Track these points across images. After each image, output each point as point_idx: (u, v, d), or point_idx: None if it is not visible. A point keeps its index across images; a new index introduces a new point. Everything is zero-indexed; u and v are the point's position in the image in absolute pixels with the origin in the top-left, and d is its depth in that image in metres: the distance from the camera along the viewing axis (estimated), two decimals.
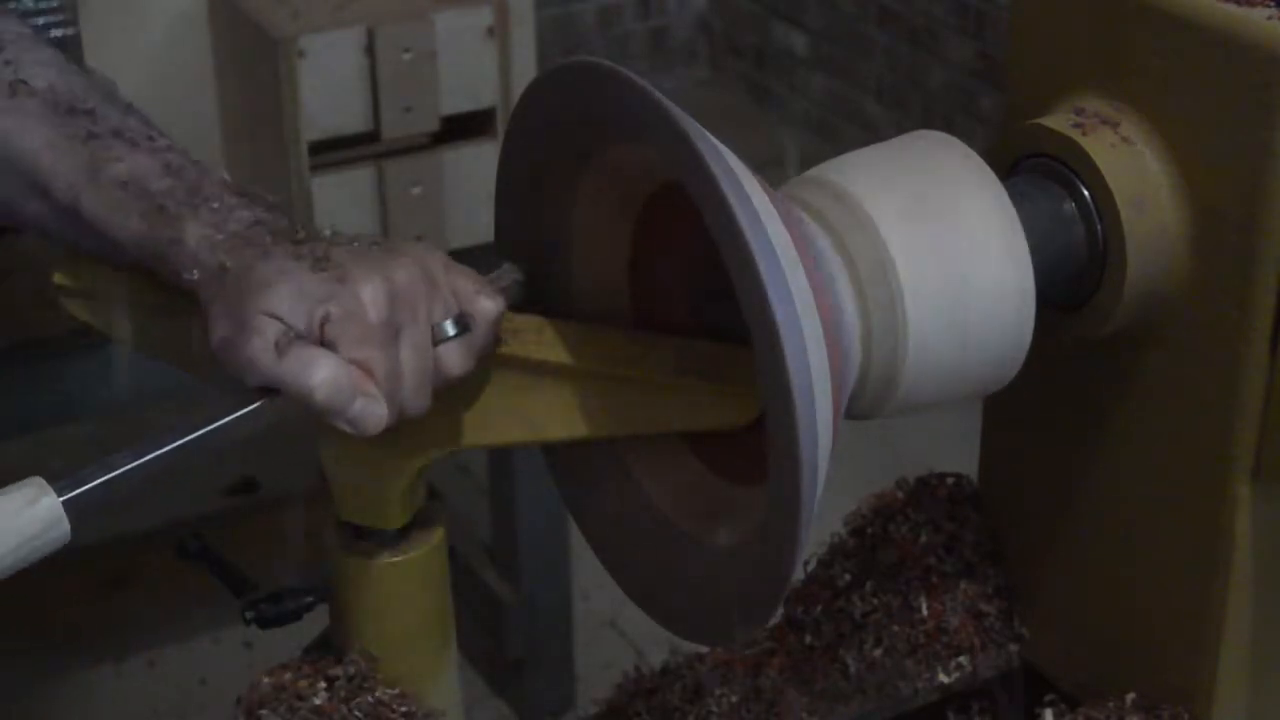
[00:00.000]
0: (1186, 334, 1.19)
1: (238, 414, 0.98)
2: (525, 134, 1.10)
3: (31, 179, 1.08)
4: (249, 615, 1.15)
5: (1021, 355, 1.14)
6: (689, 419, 1.12)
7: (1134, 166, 1.17)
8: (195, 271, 1.01)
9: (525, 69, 2.57)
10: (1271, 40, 1.10)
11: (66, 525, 0.92)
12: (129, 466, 0.95)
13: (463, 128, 2.53)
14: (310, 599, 1.16)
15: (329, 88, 2.41)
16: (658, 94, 0.98)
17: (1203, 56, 1.14)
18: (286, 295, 0.98)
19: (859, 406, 1.12)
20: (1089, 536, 1.32)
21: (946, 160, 1.14)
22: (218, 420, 0.98)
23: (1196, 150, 1.16)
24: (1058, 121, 1.20)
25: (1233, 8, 1.13)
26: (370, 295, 0.99)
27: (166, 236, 1.03)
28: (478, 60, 2.49)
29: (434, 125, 2.49)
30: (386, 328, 0.99)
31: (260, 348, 0.97)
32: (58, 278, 1.17)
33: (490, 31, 2.48)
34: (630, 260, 1.17)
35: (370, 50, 2.42)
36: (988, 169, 1.13)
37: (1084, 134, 1.18)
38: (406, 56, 2.44)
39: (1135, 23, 1.17)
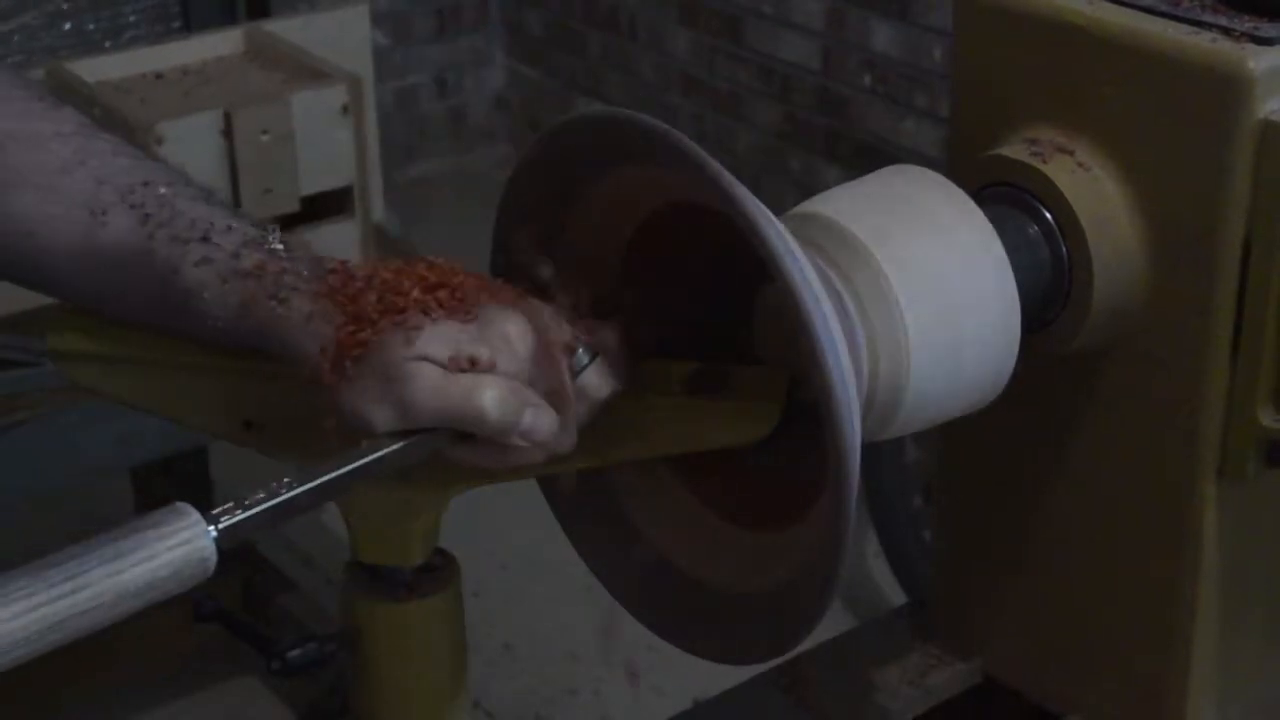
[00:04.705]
0: (1150, 345, 1.26)
1: (384, 452, 1.00)
2: (537, 165, 1.14)
3: (117, 270, 1.10)
4: (275, 665, 1.16)
5: (1007, 375, 1.20)
6: (701, 439, 1.15)
7: (1093, 190, 1.24)
8: (309, 342, 1.03)
9: (374, 146, 2.60)
10: (1221, 62, 1.18)
11: (214, 559, 0.92)
12: (275, 502, 0.95)
13: (322, 207, 2.54)
14: (332, 646, 1.17)
15: (188, 172, 2.40)
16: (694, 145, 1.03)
17: (1155, 81, 1.21)
18: (435, 339, 1.01)
19: (864, 431, 1.16)
20: (1053, 547, 1.38)
21: (930, 193, 1.19)
22: (368, 455, 1.00)
23: (1153, 171, 1.23)
24: (1016, 151, 1.26)
25: (1183, 33, 1.20)
26: (517, 332, 1.02)
27: (269, 314, 1.05)
28: (334, 138, 2.51)
29: (295, 206, 2.50)
30: (533, 363, 1.02)
31: (420, 388, 1.00)
32: (51, 342, 1.18)
33: (345, 109, 2.50)
34: (623, 279, 1.20)
35: (228, 133, 2.42)
36: (969, 199, 1.19)
37: (1044, 162, 1.25)
38: (264, 138, 2.44)
39: (1085, 52, 1.24)
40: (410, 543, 1.15)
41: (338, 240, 2.53)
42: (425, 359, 1.01)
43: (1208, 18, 1.22)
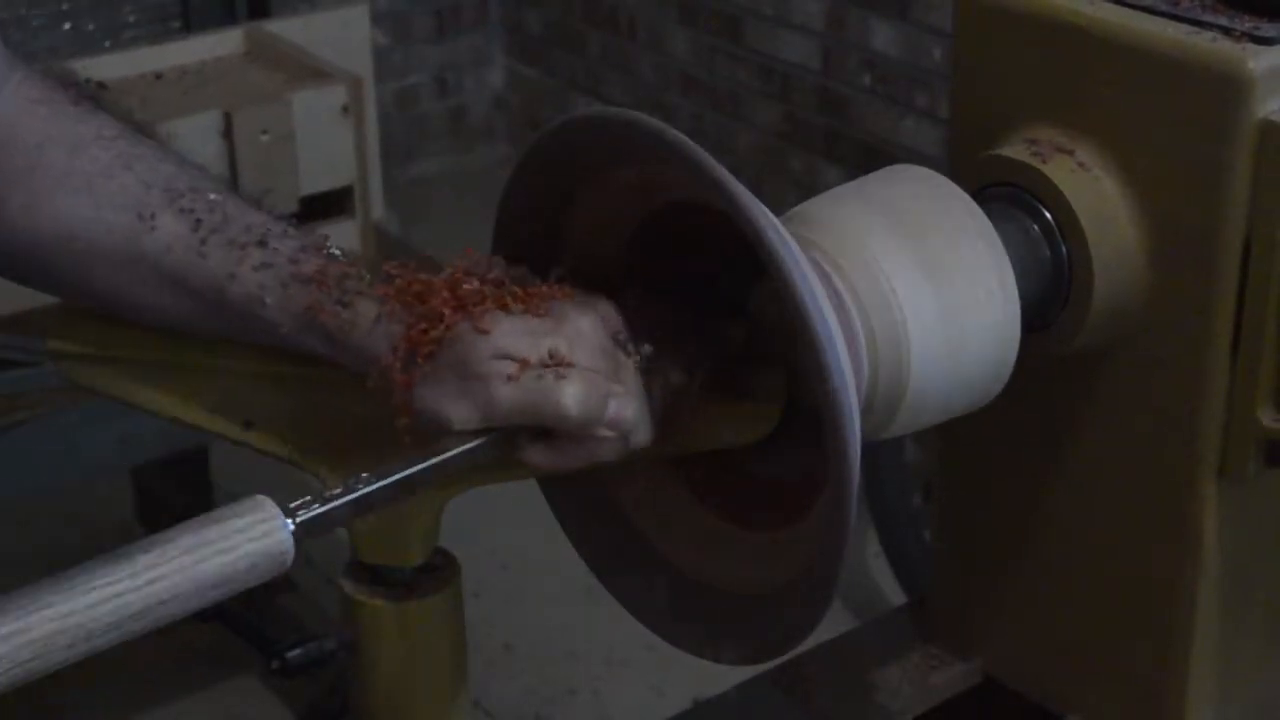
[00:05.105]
0: (1151, 345, 1.26)
1: (465, 449, 1.01)
2: (537, 164, 1.14)
3: (167, 275, 1.09)
4: (275, 665, 1.16)
5: (1007, 375, 1.20)
6: (704, 439, 1.15)
7: (1093, 190, 1.24)
8: (379, 344, 1.03)
9: (374, 146, 2.60)
10: (1221, 62, 1.18)
11: (292, 552, 0.92)
12: (354, 496, 0.96)
13: (322, 207, 2.54)
14: (333, 646, 1.17)
15: None
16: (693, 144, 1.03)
17: (1155, 81, 1.21)
18: (511, 333, 1.01)
19: (864, 430, 1.16)
20: (1053, 546, 1.38)
21: (931, 193, 1.19)
22: (445, 454, 1.01)
23: (1152, 170, 1.23)
24: (1016, 151, 1.26)
25: (1183, 33, 1.20)
26: (590, 327, 1.03)
27: (335, 319, 1.04)
28: (334, 138, 2.51)
29: (294, 206, 2.50)
30: (608, 354, 1.03)
31: (501, 385, 1.00)
32: (51, 342, 1.18)
33: (345, 110, 2.50)
34: (623, 279, 1.20)
35: (228, 133, 2.43)
36: (969, 198, 1.19)
37: (1043, 162, 1.25)
38: (264, 138, 2.44)
39: (1085, 52, 1.24)
40: (410, 543, 1.15)
41: (338, 240, 2.52)
42: (505, 356, 1.01)
43: (1208, 17, 1.22)
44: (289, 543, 0.91)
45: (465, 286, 1.04)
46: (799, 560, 1.12)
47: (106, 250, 1.09)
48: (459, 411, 1.01)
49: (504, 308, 1.03)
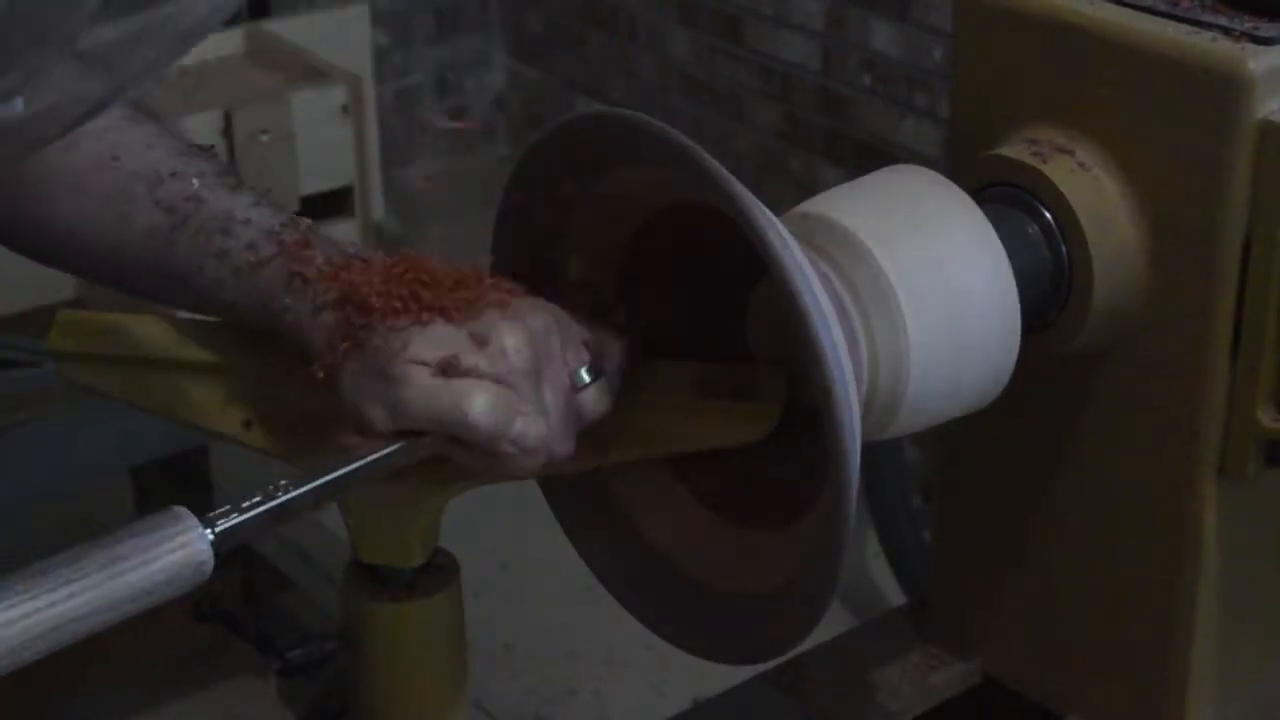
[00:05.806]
0: (1150, 346, 1.26)
1: (381, 454, 1.01)
2: (536, 165, 1.14)
3: (145, 265, 1.11)
4: (275, 665, 1.16)
5: (1007, 375, 1.20)
6: (702, 440, 1.15)
7: (1093, 190, 1.24)
8: (317, 334, 1.04)
9: (374, 146, 2.60)
10: (1221, 62, 1.18)
11: (211, 563, 0.91)
12: (273, 504, 0.95)
13: (322, 207, 2.54)
14: (333, 646, 1.17)
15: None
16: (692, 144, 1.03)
17: (1155, 81, 1.21)
18: (430, 342, 1.01)
19: (864, 430, 1.16)
20: (1053, 546, 1.38)
21: (930, 193, 1.19)
22: (363, 459, 1.00)
23: (1152, 171, 1.23)
24: (1016, 151, 1.26)
25: (1182, 33, 1.20)
26: (514, 344, 1.02)
27: (281, 307, 1.05)
28: (334, 139, 2.51)
29: (294, 206, 2.50)
30: (529, 374, 1.02)
31: (411, 392, 1.00)
32: (51, 342, 1.18)
33: (345, 110, 2.51)
34: (619, 284, 1.20)
35: (228, 133, 2.43)
36: (968, 198, 1.19)
37: (1043, 162, 1.25)
38: (264, 138, 2.45)
39: (1085, 52, 1.24)
40: (410, 543, 1.15)
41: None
42: (418, 362, 1.01)
43: (1207, 17, 1.22)
44: (208, 553, 0.90)
45: (398, 285, 1.03)
46: (799, 560, 1.12)
47: (96, 244, 1.12)
48: (375, 412, 1.01)
49: (430, 308, 1.03)
